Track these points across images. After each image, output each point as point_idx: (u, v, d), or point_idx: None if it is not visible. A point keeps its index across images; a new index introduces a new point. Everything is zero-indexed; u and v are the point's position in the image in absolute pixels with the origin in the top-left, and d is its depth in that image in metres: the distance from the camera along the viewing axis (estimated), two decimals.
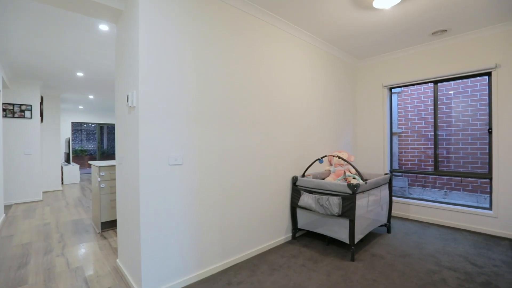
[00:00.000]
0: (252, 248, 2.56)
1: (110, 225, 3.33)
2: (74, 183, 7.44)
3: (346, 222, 2.46)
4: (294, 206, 2.91)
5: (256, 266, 2.33)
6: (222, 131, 2.29)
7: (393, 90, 4.11)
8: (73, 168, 7.51)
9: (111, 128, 11.70)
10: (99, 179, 3.22)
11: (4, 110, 4.90)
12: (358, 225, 2.49)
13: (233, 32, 2.38)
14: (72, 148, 10.54)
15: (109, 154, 11.64)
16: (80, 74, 4.63)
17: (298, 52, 3.11)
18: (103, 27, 2.79)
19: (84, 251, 2.73)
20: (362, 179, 2.58)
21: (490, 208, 3.19)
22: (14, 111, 5.02)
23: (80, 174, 9.39)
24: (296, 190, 2.86)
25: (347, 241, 2.45)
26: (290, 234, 2.99)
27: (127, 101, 1.93)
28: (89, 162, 3.72)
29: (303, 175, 2.99)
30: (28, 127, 5.17)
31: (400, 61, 3.84)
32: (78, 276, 2.22)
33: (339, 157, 2.70)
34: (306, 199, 2.71)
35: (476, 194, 4.55)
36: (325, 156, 2.87)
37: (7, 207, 4.71)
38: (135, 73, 1.85)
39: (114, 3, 2.03)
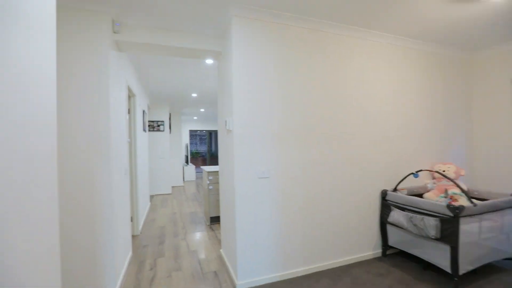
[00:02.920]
0: (334, 259, 2.61)
1: (216, 220, 4.08)
2: (191, 180, 9.23)
3: (446, 248, 2.16)
4: (383, 222, 2.75)
5: (338, 277, 2.39)
6: (304, 146, 2.47)
7: None
8: (190, 168, 9.32)
9: (217, 133, 13.74)
10: (207, 182, 4.01)
11: (149, 126, 6.71)
12: (466, 254, 2.13)
13: (312, 51, 2.52)
14: (189, 151, 13.00)
15: (216, 155, 13.74)
16: (194, 95, 5.81)
17: (390, 58, 2.90)
18: (209, 61, 3.49)
19: (198, 238, 3.50)
20: (468, 199, 2.18)
21: None
22: (154, 126, 6.79)
23: (196, 172, 11.49)
24: (386, 205, 2.70)
25: (448, 269, 2.15)
26: (379, 250, 2.84)
27: (226, 125, 2.41)
28: (201, 167, 4.64)
29: (395, 189, 2.78)
30: (161, 138, 6.88)
31: None
32: (194, 257, 2.90)
33: (438, 172, 2.37)
34: (396, 216, 2.52)
35: None
36: (421, 170, 2.57)
37: (151, 197, 6.43)
38: (230, 103, 2.30)
39: (215, 47, 2.58)
